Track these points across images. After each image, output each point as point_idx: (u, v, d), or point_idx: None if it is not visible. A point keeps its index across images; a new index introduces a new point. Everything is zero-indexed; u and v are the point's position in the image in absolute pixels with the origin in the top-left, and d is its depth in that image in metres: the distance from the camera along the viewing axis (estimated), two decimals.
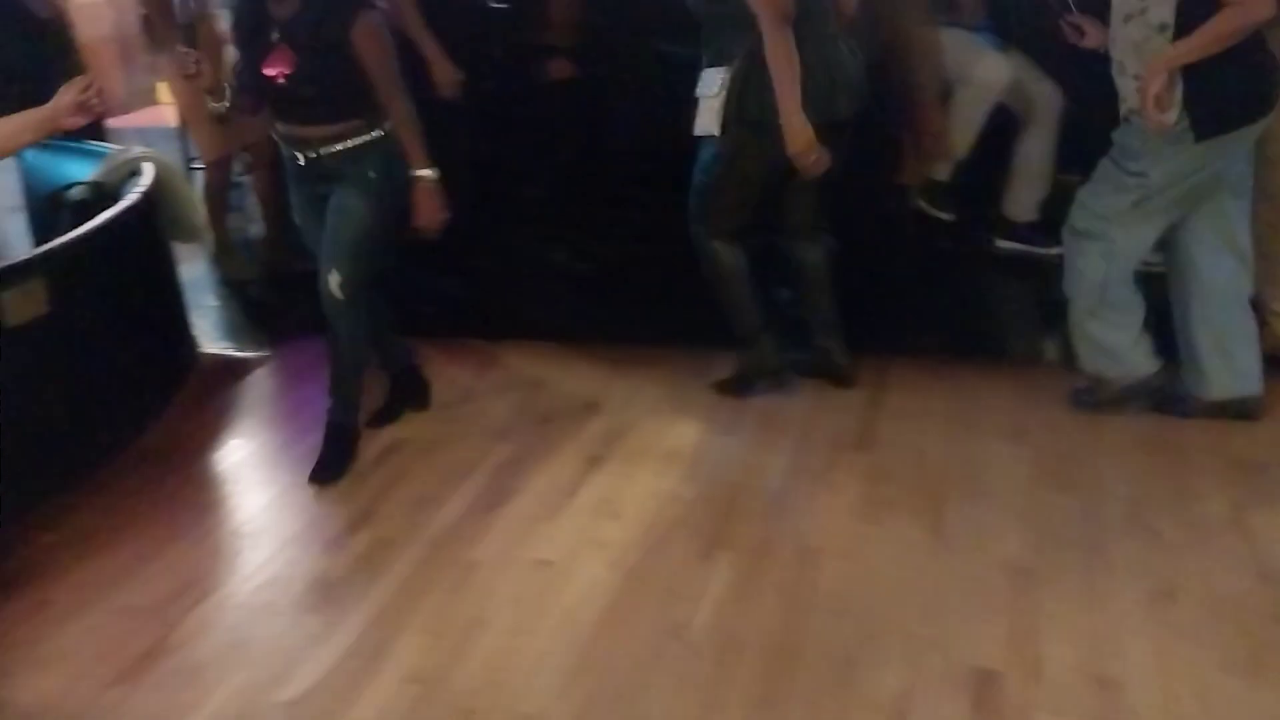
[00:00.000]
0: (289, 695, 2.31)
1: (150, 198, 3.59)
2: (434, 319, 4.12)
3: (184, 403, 3.65)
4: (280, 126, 3.05)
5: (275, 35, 2.89)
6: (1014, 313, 4.20)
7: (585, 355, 3.86)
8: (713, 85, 3.17)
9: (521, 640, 2.46)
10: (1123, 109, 3.04)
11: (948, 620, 2.44)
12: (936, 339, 3.77)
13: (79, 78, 2.14)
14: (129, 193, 3.56)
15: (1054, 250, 4.15)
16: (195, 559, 2.85)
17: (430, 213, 3.03)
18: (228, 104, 3.09)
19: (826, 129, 3.14)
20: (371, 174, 3.00)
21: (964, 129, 4.06)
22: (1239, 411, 3.18)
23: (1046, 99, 4.10)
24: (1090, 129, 4.06)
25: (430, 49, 3.88)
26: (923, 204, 4.10)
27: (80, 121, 2.14)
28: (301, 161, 3.03)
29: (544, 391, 3.67)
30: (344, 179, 3.01)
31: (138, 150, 3.89)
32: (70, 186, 3.63)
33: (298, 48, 2.87)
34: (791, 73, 3.04)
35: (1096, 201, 3.12)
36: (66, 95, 2.07)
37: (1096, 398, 3.28)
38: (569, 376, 3.76)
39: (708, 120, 3.19)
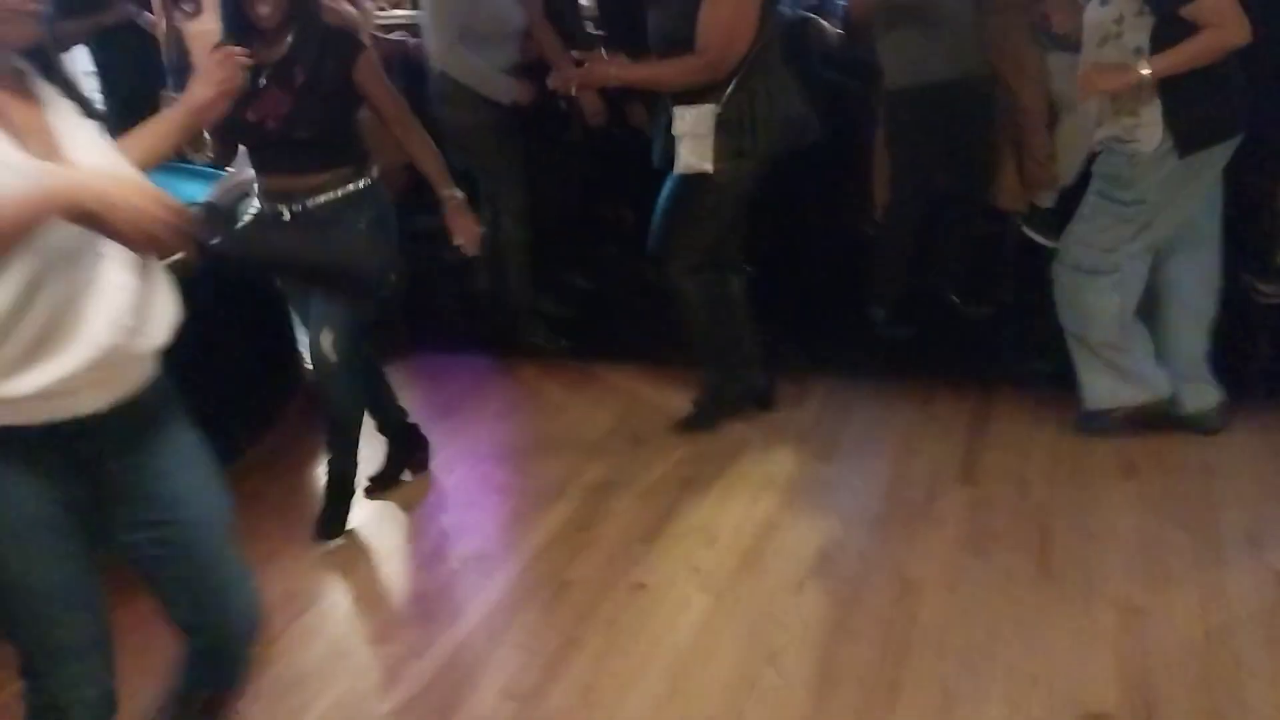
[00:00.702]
0: (389, 706, 2.35)
1: None
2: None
3: (289, 419, 3.74)
4: (261, 178, 2.88)
5: (263, 80, 2.72)
6: None
7: (679, 376, 3.85)
8: (701, 123, 3.13)
9: (615, 662, 2.45)
10: (1098, 134, 3.07)
11: (1054, 658, 2.37)
12: (1041, 367, 3.67)
13: (209, 60, 2.07)
14: (242, 214, 3.67)
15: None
16: (298, 571, 2.91)
17: (466, 230, 2.96)
18: (207, 150, 2.86)
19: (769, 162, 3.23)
20: (362, 225, 2.84)
21: (1070, 155, 3.98)
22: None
23: None
24: None
25: None
26: (1028, 230, 4.02)
27: (223, 105, 2.08)
28: (286, 217, 2.83)
29: (637, 411, 3.68)
30: (333, 226, 2.83)
31: (250, 172, 4.01)
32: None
33: (292, 90, 2.73)
34: (667, 82, 3.19)
35: (1099, 236, 3.10)
36: (203, 85, 2.01)
37: (1108, 422, 3.27)
38: (663, 397, 3.75)
39: (699, 158, 3.16)
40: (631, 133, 4.26)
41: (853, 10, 3.96)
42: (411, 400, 3.41)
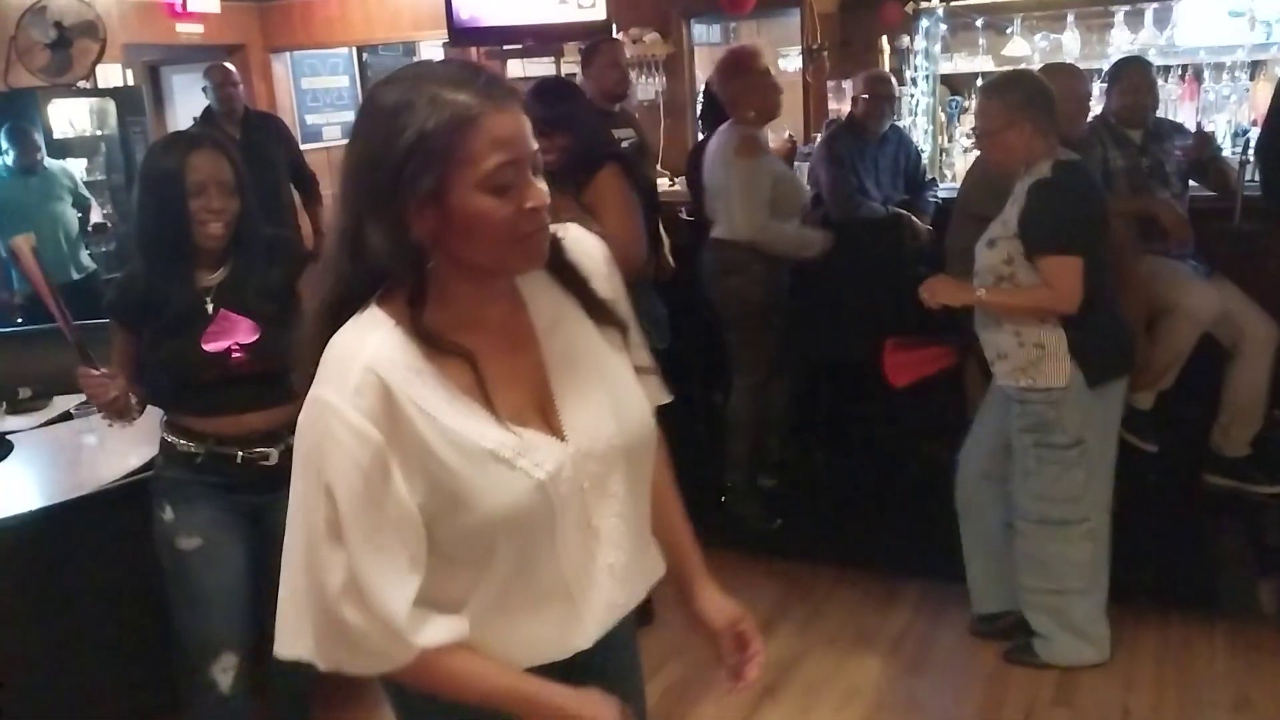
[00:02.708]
0: None
1: None
2: None
3: None
4: (205, 422, 2.32)
5: (210, 304, 2.29)
6: (1226, 556, 3.91)
7: (762, 568, 3.78)
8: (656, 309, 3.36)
9: None
10: (1002, 375, 2.99)
11: None
12: (1141, 580, 3.52)
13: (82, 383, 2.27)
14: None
15: (1268, 489, 3.92)
16: None
17: None
18: (136, 416, 2.40)
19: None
20: None
21: (1170, 359, 3.91)
22: None
23: (1257, 330, 3.93)
24: None
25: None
26: (1126, 434, 3.91)
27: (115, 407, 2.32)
28: (239, 459, 2.32)
29: None
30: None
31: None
32: None
33: (249, 312, 2.30)
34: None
35: (1054, 488, 3.00)
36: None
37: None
38: (744, 591, 3.50)
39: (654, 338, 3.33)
40: None
41: None
42: None
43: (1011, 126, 2.87)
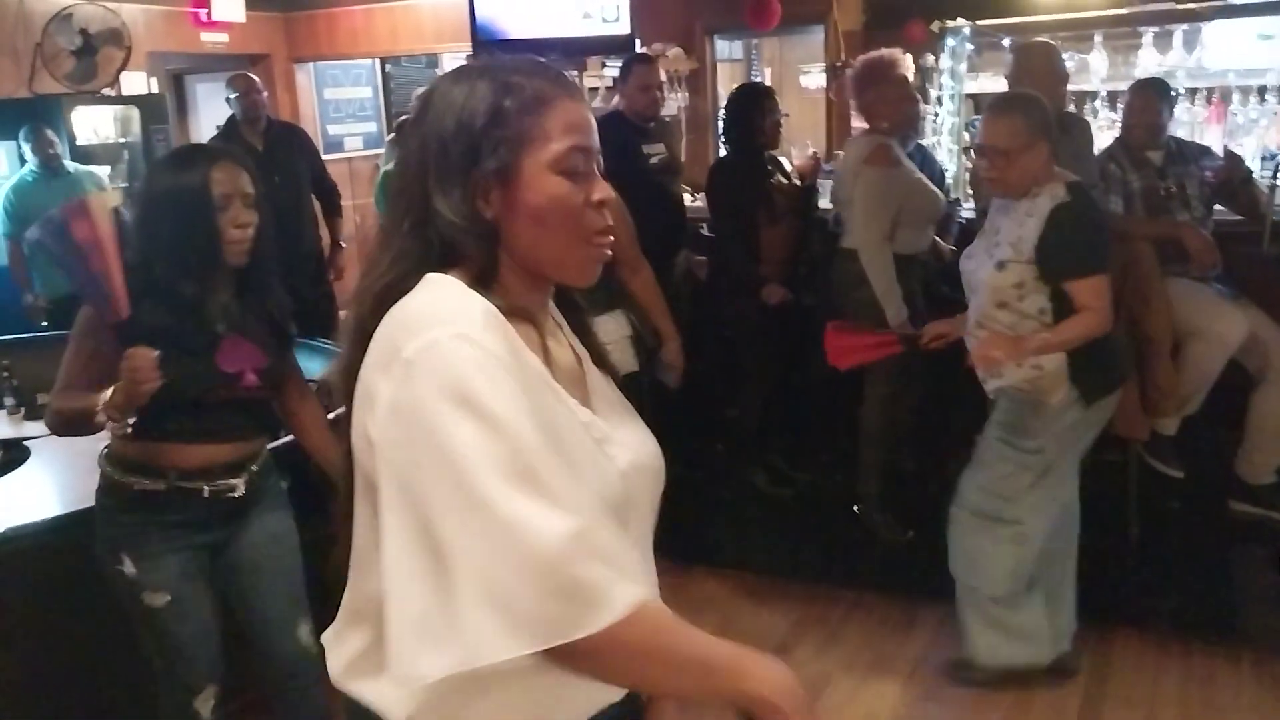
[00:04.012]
0: None
1: None
2: None
3: None
4: (173, 451, 2.20)
5: (221, 326, 2.22)
6: (1252, 585, 3.84)
7: (779, 589, 3.73)
8: (623, 327, 3.40)
9: None
10: (993, 385, 2.98)
11: None
12: (1165, 609, 3.45)
13: (125, 364, 2.03)
14: None
15: None
16: None
17: None
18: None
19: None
20: (284, 482, 2.41)
21: (1196, 383, 3.86)
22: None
23: None
24: None
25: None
26: (1150, 459, 3.86)
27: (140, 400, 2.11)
28: (206, 493, 2.23)
29: (733, 627, 3.53)
30: (259, 502, 2.33)
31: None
32: None
33: (254, 336, 2.26)
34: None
35: (1000, 484, 2.96)
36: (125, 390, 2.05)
37: (982, 676, 3.10)
38: (760, 612, 3.62)
39: (629, 358, 3.39)
40: (748, 333, 4.30)
41: None
42: None
43: (1030, 148, 2.80)
